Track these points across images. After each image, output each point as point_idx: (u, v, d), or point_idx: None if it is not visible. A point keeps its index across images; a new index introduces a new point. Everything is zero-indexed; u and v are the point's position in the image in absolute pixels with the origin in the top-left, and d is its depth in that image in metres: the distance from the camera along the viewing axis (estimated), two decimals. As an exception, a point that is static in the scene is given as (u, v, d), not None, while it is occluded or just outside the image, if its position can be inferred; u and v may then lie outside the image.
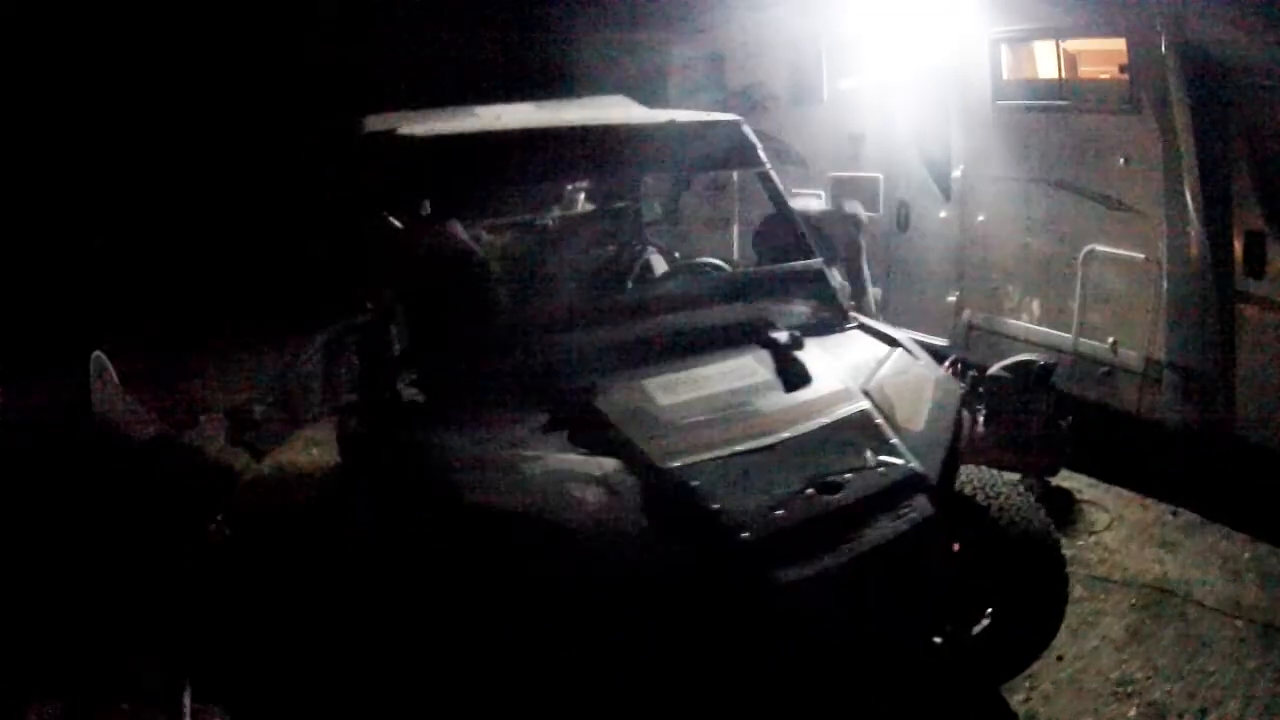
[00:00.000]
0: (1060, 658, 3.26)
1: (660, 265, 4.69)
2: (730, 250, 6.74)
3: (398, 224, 3.99)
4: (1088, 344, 4.92)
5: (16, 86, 8.65)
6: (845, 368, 2.94)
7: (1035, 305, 5.23)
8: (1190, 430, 4.49)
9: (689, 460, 2.34)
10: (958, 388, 3.13)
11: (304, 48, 9.44)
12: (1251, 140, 4.21)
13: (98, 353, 4.65)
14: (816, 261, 3.45)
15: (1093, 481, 4.74)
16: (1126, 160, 4.67)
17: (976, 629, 2.79)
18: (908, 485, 2.48)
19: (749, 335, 3.07)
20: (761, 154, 3.69)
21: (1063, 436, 4.46)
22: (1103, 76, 4.97)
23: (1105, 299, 4.86)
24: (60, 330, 7.63)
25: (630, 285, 4.38)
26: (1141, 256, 4.65)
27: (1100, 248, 4.82)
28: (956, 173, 5.58)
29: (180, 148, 9.48)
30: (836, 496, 2.36)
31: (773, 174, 3.68)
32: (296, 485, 5.15)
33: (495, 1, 9.15)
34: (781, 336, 3.03)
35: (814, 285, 3.39)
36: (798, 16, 6.55)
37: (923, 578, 2.46)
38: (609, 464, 2.32)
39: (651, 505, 2.21)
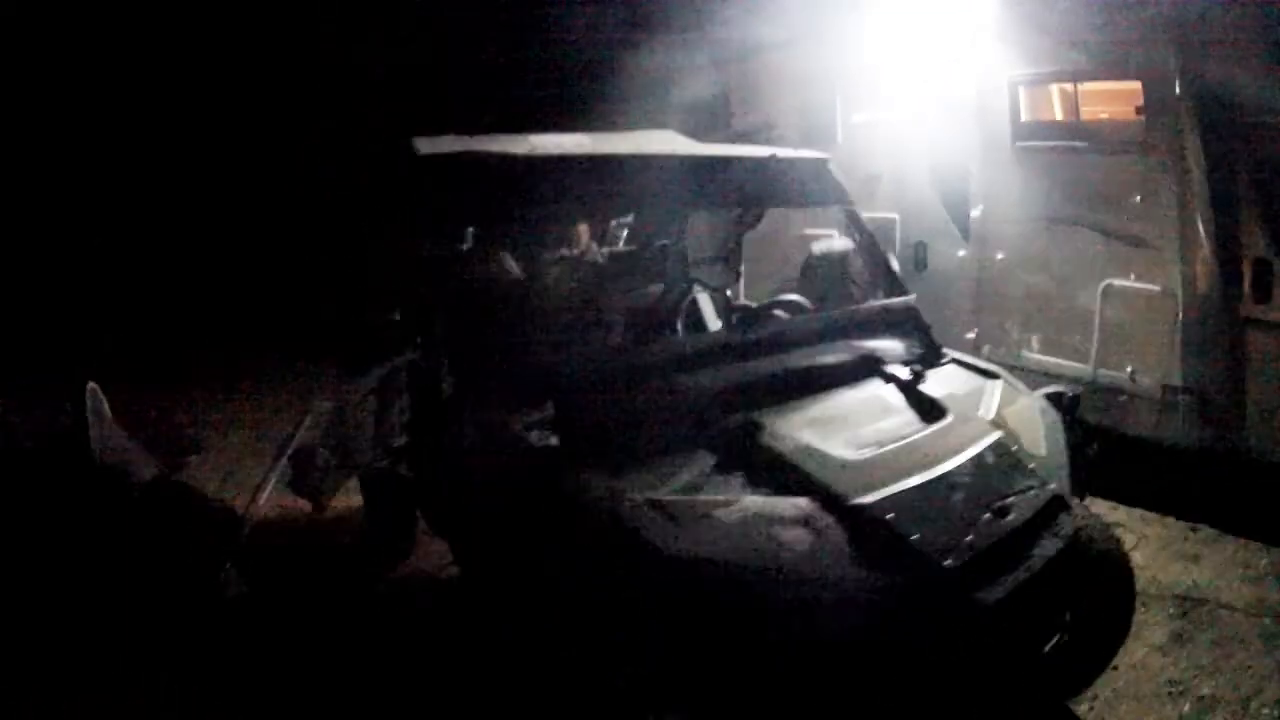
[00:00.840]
0: (1115, 667, 3.49)
1: (708, 305, 4.79)
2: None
3: (450, 253, 4.13)
4: (1106, 374, 5.25)
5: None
6: (963, 399, 3.14)
7: (1054, 339, 5.57)
8: (1205, 450, 4.81)
9: (878, 495, 2.45)
10: (1056, 414, 3.35)
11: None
12: (1257, 176, 4.64)
13: (93, 385, 4.68)
14: (910, 298, 3.70)
15: (1113, 505, 5.02)
16: (1142, 198, 5.07)
17: (1050, 644, 2.90)
18: (1053, 506, 2.72)
19: (865, 372, 3.23)
20: (848, 191, 3.94)
21: (1090, 462, 4.75)
22: (1118, 118, 5.40)
23: (1123, 331, 5.21)
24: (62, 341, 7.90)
25: (718, 326, 4.46)
26: (1158, 289, 5.02)
27: (1118, 282, 5.19)
28: (975, 213, 5.97)
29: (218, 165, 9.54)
30: (1009, 519, 2.56)
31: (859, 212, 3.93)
32: (309, 529, 5.11)
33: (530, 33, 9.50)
34: (901, 372, 3.20)
35: (908, 321, 3.63)
36: (809, 56, 6.95)
37: (1058, 594, 2.67)
38: (803, 504, 2.38)
39: (854, 541, 2.31)
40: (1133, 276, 5.15)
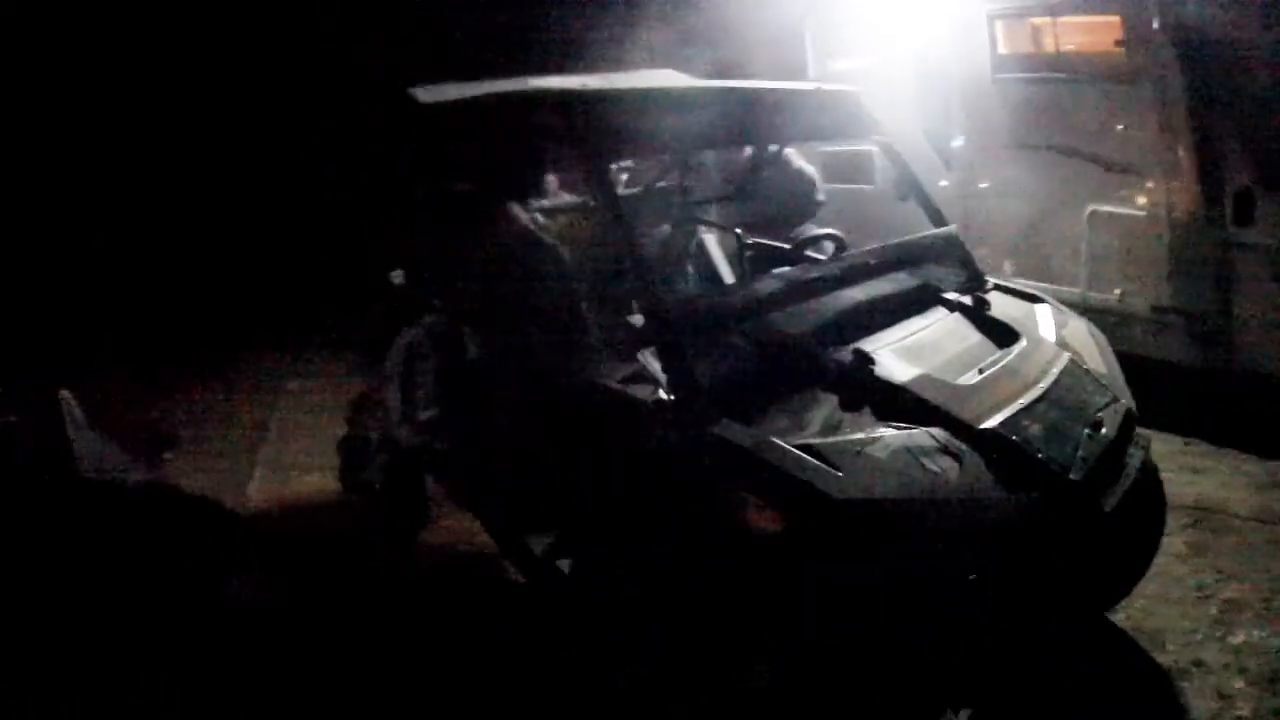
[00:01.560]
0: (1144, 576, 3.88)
1: (715, 247, 4.95)
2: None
3: (457, 206, 4.09)
4: (1096, 297, 5.63)
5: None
6: (1023, 322, 3.30)
7: (1042, 265, 5.91)
8: (1195, 366, 5.26)
9: (1000, 418, 2.56)
10: (1102, 334, 3.58)
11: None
12: (1237, 105, 4.96)
13: (65, 393, 4.67)
14: (953, 228, 3.89)
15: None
16: (1125, 127, 5.37)
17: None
18: (1129, 419, 2.94)
19: (930, 300, 3.37)
20: (883, 125, 4.06)
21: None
22: (1098, 50, 5.64)
23: (1109, 255, 5.58)
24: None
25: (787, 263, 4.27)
26: (1143, 214, 5.38)
27: (1103, 208, 5.53)
28: (957, 144, 6.21)
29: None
30: (1104, 433, 2.75)
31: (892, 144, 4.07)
32: (305, 517, 5.13)
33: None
34: (965, 299, 3.37)
35: (954, 250, 3.81)
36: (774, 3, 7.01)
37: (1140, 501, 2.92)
38: (938, 433, 2.45)
39: (990, 464, 2.43)
40: (1118, 202, 5.49)
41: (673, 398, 2.51)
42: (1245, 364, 5.10)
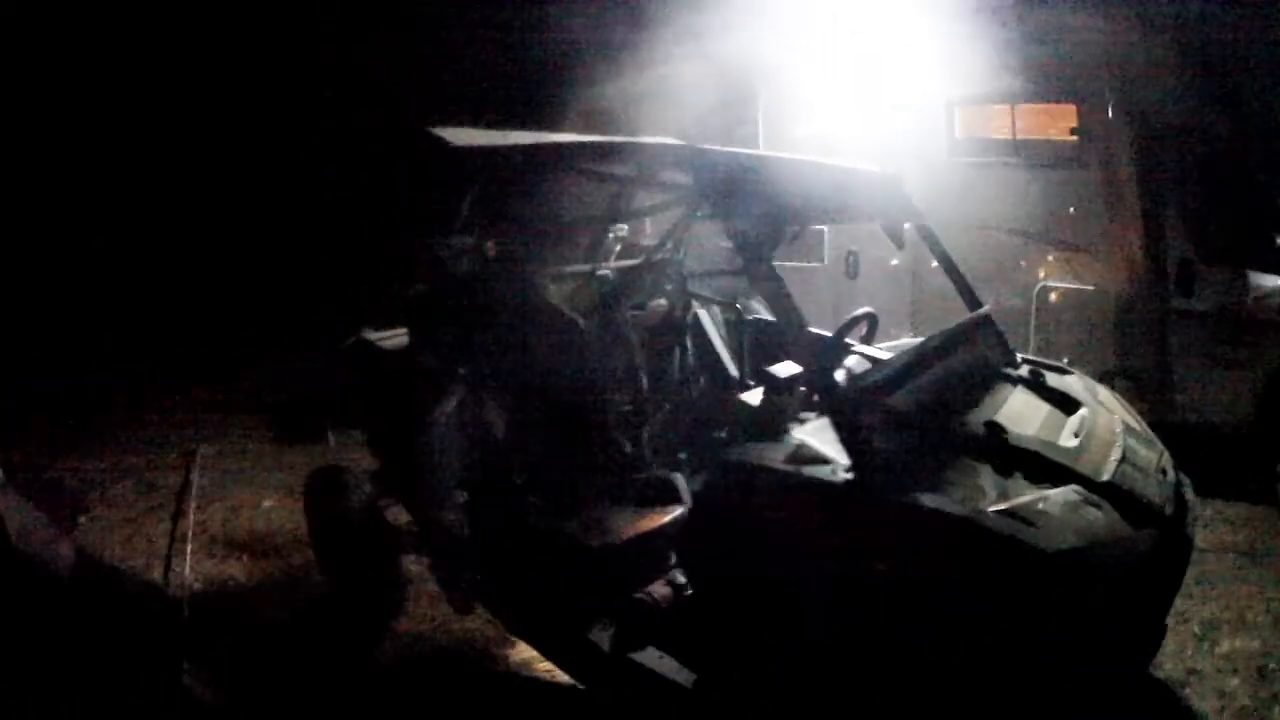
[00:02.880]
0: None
1: (708, 321, 4.96)
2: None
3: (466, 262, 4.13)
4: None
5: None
6: (1073, 390, 3.71)
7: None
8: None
9: (1108, 473, 2.92)
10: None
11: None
12: (1181, 189, 5.80)
13: None
14: (987, 308, 4.26)
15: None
16: (1075, 209, 6.10)
17: None
18: (1173, 464, 3.42)
19: (994, 375, 3.72)
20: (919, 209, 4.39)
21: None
22: (1053, 137, 6.44)
23: (1058, 326, 6.16)
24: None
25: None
26: (1091, 288, 6.03)
27: (1053, 283, 6.15)
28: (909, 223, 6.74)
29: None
30: (1169, 476, 3.25)
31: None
32: (250, 595, 4.96)
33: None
34: (1023, 372, 3.77)
35: (991, 329, 4.15)
36: (728, 67, 7.51)
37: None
38: (1077, 488, 2.75)
39: (1117, 509, 2.75)
40: (1068, 278, 6.12)
41: (854, 475, 2.65)
42: (1185, 416, 5.70)
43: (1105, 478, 2.84)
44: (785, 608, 2.70)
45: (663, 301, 4.91)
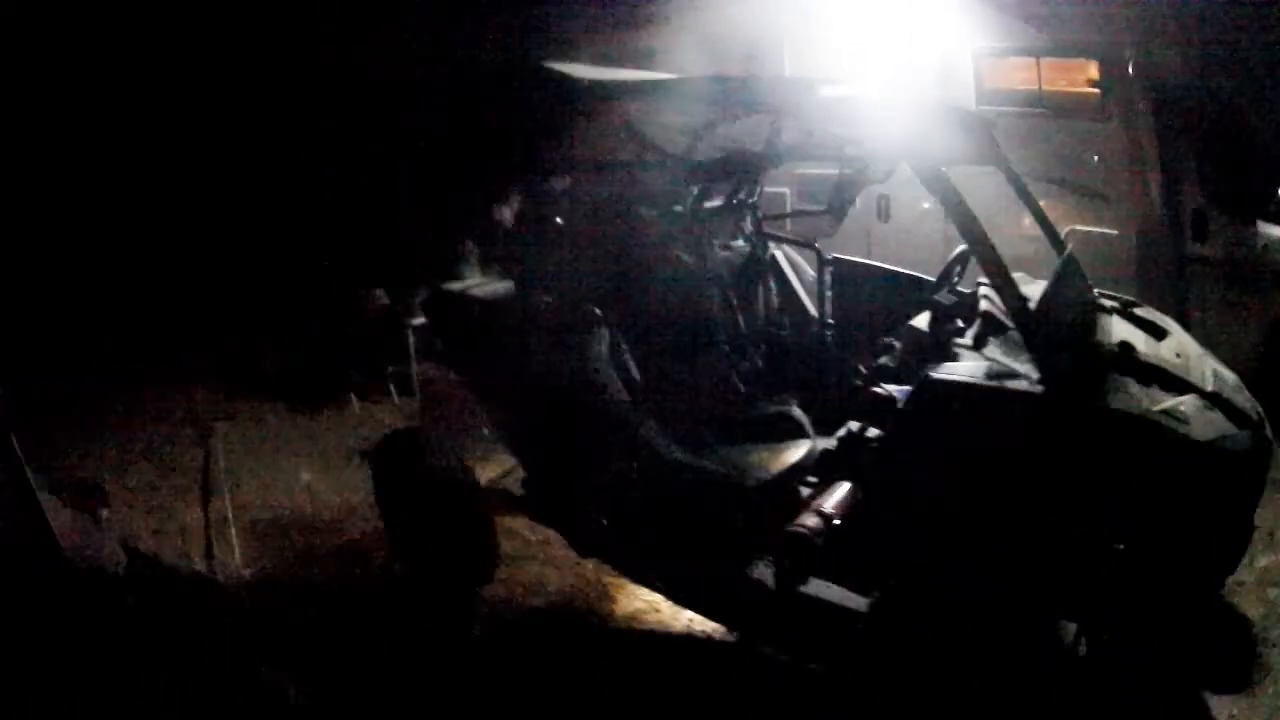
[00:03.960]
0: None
1: (786, 264, 5.30)
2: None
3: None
4: (1070, 302, 6.77)
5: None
6: (1153, 318, 4.06)
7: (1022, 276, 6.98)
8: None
9: (1211, 384, 3.34)
10: None
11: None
12: (1196, 142, 6.37)
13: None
14: (1070, 249, 4.65)
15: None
16: (1098, 157, 6.63)
17: None
18: None
19: (1096, 305, 4.06)
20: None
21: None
22: (1075, 90, 6.92)
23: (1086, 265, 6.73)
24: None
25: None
26: (1114, 232, 6.61)
27: (1080, 227, 6.71)
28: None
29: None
30: (1244, 390, 3.62)
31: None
32: (311, 580, 4.91)
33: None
34: (1111, 304, 4.17)
35: (1078, 269, 4.47)
36: (754, 18, 7.81)
37: None
38: (1196, 396, 3.19)
39: (1230, 418, 3.19)
40: (1093, 222, 6.70)
41: (1047, 387, 3.02)
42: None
43: (1210, 388, 3.24)
44: (986, 516, 3.01)
45: (743, 243, 5.23)
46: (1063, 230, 6.66)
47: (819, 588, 3.37)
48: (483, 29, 8.88)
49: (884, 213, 7.52)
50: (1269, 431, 3.49)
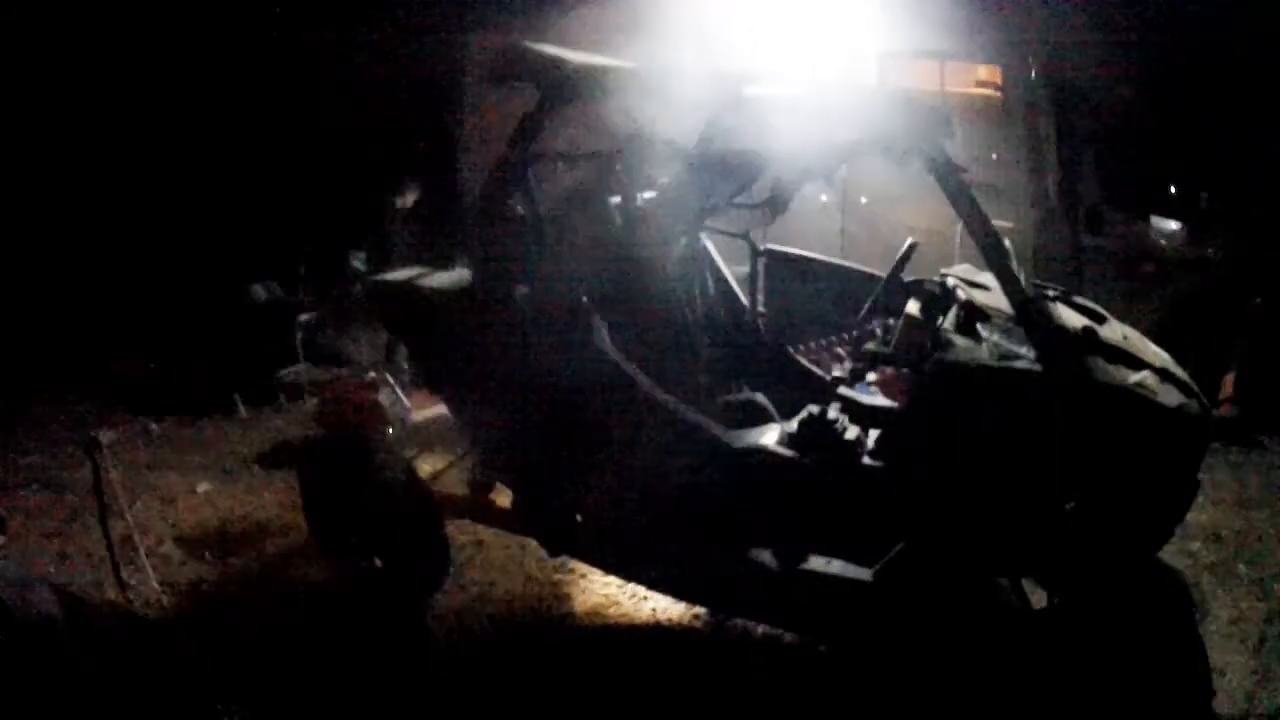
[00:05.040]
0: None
1: (715, 251, 5.16)
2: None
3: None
4: (970, 295, 7.16)
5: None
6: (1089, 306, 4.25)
7: (917, 269, 7.32)
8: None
9: (1165, 361, 3.57)
10: None
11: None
12: (1092, 140, 6.89)
13: None
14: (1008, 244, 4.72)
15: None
16: (998, 156, 7.07)
17: None
18: None
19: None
20: None
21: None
22: (979, 93, 7.34)
23: (981, 260, 7.13)
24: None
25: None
26: (1011, 225, 7.02)
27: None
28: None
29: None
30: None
31: None
32: (232, 599, 4.63)
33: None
34: (1050, 293, 4.22)
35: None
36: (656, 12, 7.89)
37: None
38: (1150, 371, 3.40)
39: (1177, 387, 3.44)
40: (992, 217, 7.08)
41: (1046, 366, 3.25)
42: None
43: (1158, 365, 3.47)
44: (986, 485, 3.25)
45: (681, 236, 4.93)
46: (958, 224, 7.08)
47: (820, 563, 3.50)
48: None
49: (780, 206, 7.70)
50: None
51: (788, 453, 3.55)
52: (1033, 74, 6.89)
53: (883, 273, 4.49)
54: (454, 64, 9.04)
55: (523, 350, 3.83)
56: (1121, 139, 6.91)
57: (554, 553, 4.21)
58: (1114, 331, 3.77)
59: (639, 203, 4.64)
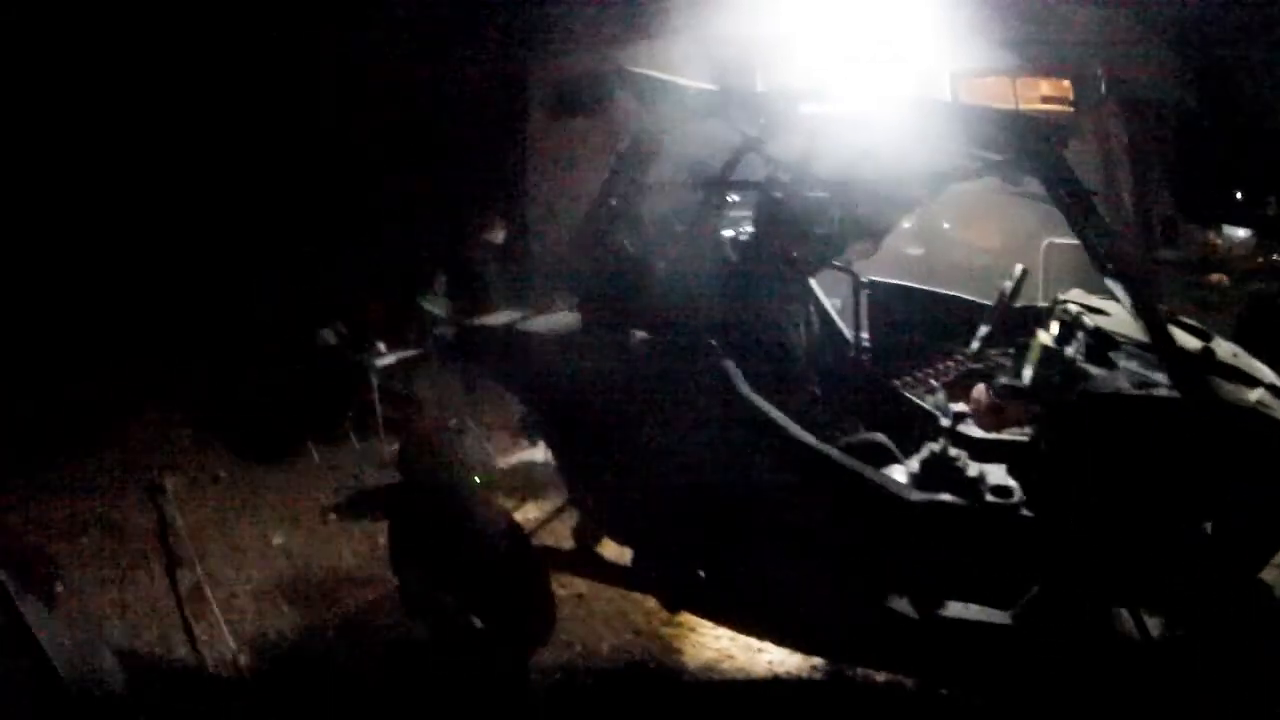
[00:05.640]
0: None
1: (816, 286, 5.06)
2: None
3: None
4: (1052, 310, 7.34)
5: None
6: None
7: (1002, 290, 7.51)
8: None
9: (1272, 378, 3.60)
10: None
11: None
12: (1164, 152, 7.08)
13: None
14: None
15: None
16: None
17: None
18: None
19: None
20: None
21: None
22: (1049, 107, 7.53)
23: (1062, 277, 7.30)
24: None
25: None
26: (1089, 241, 7.22)
27: (1057, 240, 7.29)
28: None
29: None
30: None
31: None
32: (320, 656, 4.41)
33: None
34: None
35: None
36: (728, 35, 8.13)
37: None
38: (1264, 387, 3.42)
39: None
40: (1069, 234, 7.26)
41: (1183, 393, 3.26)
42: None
43: (1268, 381, 3.49)
44: (1131, 518, 3.19)
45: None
46: (1042, 242, 7.28)
47: (958, 609, 3.45)
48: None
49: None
50: None
51: (973, 505, 3.46)
52: (1103, 87, 7.07)
53: (969, 296, 4.59)
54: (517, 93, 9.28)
55: (646, 400, 3.69)
56: (1189, 149, 7.08)
57: (674, 609, 4.08)
58: (1224, 349, 3.79)
59: (740, 236, 4.53)
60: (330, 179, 9.38)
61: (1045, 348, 3.77)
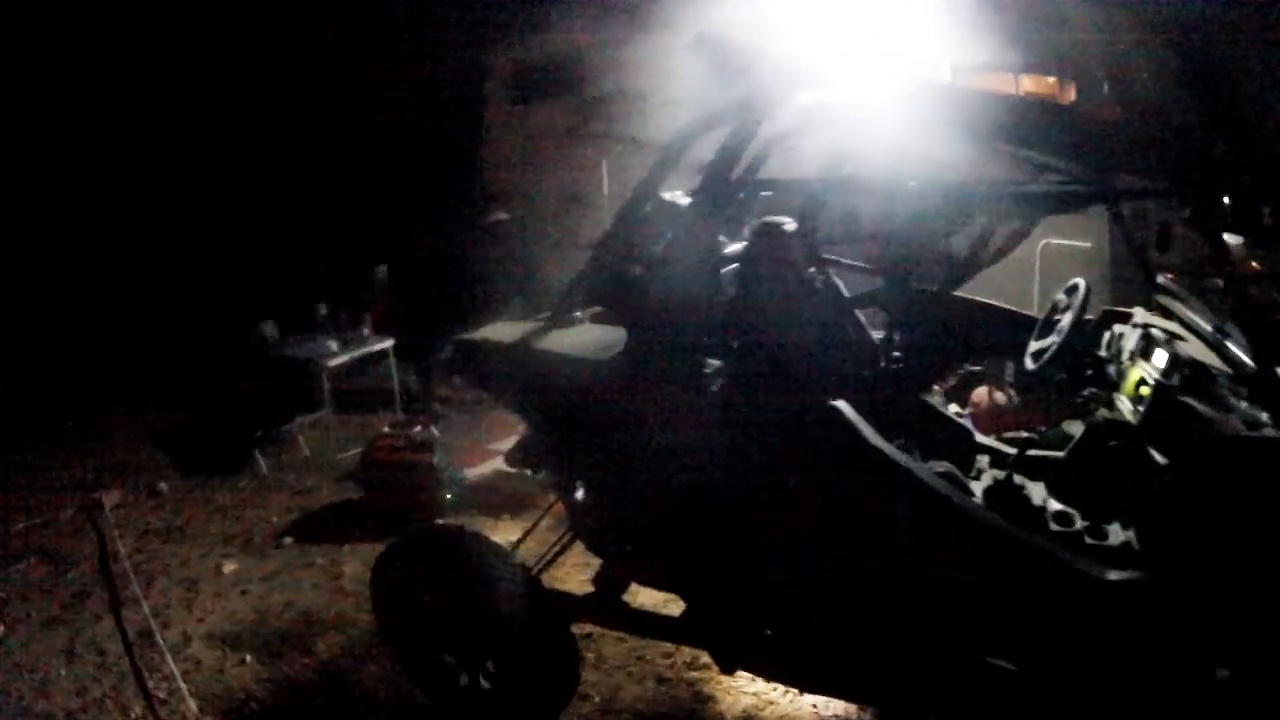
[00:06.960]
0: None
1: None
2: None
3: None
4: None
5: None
6: None
7: (997, 288, 7.53)
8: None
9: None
10: None
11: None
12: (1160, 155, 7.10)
13: None
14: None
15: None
16: (1072, 172, 7.28)
17: None
18: None
19: None
20: None
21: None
22: (1051, 107, 7.51)
23: (1059, 278, 7.35)
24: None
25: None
26: (1088, 244, 7.28)
27: (1055, 241, 7.35)
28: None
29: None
30: None
31: None
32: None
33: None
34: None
35: None
36: (725, 30, 8.02)
37: None
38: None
39: None
40: (1067, 236, 7.34)
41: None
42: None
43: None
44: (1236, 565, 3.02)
45: (812, 270, 4.81)
46: (1037, 245, 7.32)
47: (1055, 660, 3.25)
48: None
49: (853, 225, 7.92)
50: None
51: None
52: (1104, 88, 7.08)
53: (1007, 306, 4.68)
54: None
55: (729, 444, 3.35)
56: (1187, 154, 7.11)
57: (729, 669, 3.77)
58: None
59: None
60: (296, 175, 9.24)
61: (1161, 385, 3.63)
